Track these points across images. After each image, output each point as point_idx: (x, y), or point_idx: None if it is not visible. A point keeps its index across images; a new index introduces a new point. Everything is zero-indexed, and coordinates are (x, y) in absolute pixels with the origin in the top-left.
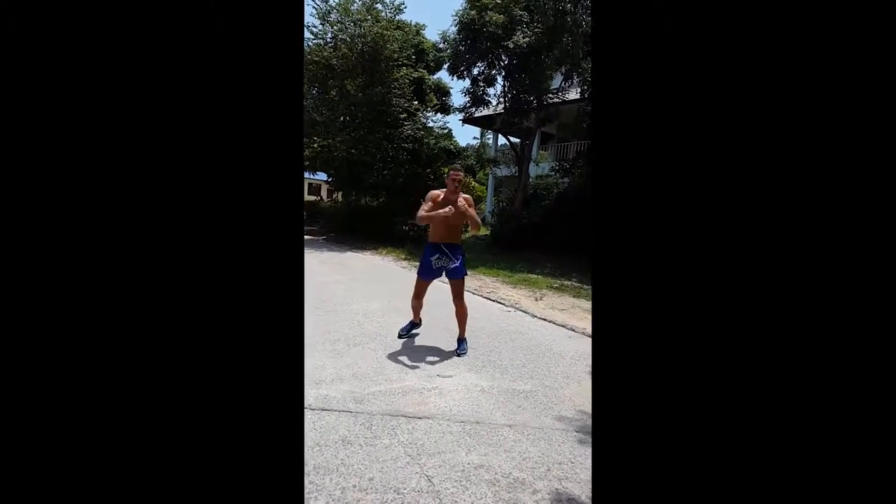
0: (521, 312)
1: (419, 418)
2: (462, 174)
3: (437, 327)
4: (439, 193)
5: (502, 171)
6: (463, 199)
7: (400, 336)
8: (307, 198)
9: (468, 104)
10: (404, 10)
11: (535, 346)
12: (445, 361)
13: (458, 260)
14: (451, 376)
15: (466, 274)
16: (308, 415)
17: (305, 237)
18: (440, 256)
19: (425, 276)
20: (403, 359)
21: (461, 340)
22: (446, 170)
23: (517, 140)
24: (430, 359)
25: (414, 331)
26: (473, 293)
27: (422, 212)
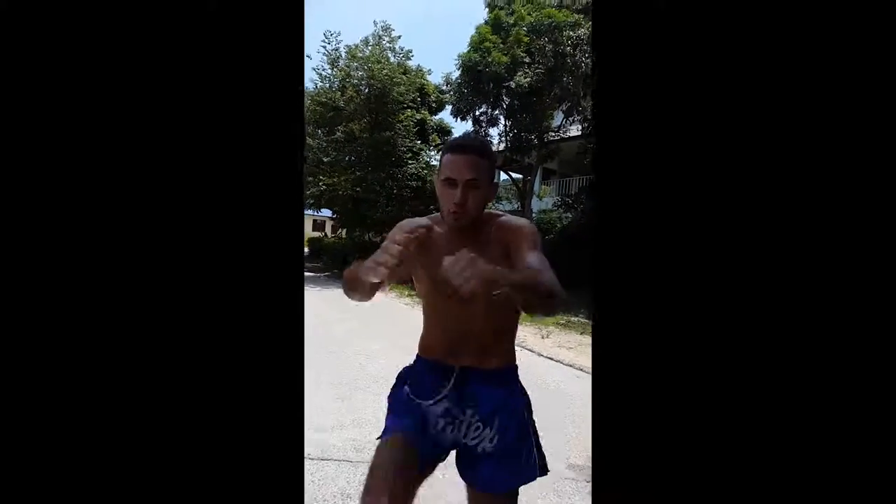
0: (526, 351)
1: None
2: (474, 157)
3: None
4: (425, 226)
5: (504, 207)
6: (500, 232)
7: None
8: (311, 234)
9: None
10: (412, 57)
11: (542, 386)
12: None
13: (510, 422)
14: None
15: (543, 472)
16: (307, 465)
17: (308, 274)
18: (449, 405)
19: (392, 428)
20: None
21: None
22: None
23: (518, 176)
24: None
25: None
26: None
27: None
